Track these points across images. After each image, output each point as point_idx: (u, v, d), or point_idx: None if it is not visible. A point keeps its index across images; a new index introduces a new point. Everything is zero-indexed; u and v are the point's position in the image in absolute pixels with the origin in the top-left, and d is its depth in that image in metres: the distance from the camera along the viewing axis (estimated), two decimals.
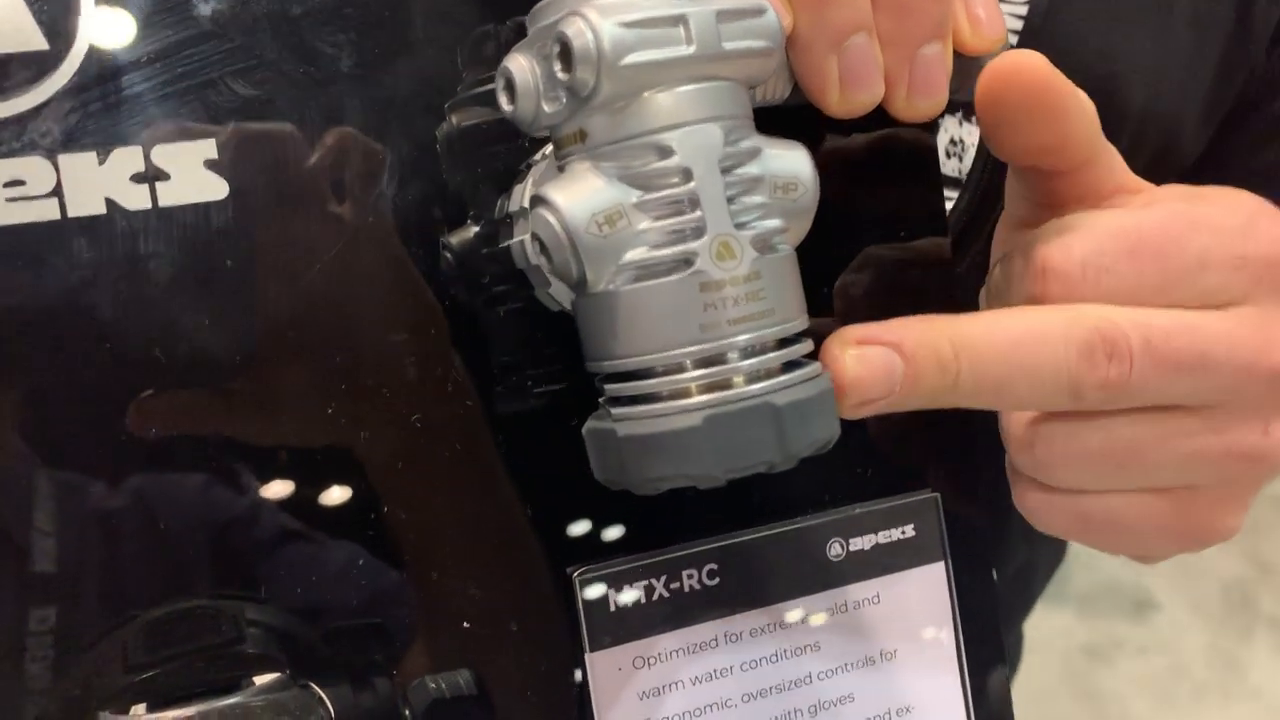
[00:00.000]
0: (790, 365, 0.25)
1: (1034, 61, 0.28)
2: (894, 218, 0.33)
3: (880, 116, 0.29)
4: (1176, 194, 0.31)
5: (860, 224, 0.33)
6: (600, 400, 0.26)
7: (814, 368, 0.25)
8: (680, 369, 0.24)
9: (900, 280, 0.33)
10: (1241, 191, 0.31)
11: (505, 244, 0.29)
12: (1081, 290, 0.28)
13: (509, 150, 0.30)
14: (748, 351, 0.24)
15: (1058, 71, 0.28)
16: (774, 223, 0.25)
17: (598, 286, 0.24)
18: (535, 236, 0.25)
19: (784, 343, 0.25)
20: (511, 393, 0.30)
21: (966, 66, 0.30)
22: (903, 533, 0.33)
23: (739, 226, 0.24)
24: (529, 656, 0.30)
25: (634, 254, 0.24)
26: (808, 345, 0.25)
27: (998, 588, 0.34)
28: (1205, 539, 0.31)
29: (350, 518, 0.28)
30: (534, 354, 0.30)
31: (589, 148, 0.24)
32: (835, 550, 0.32)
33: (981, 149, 0.42)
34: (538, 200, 0.24)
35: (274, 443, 0.28)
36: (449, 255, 0.30)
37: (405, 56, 0.29)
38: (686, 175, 0.24)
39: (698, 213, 0.24)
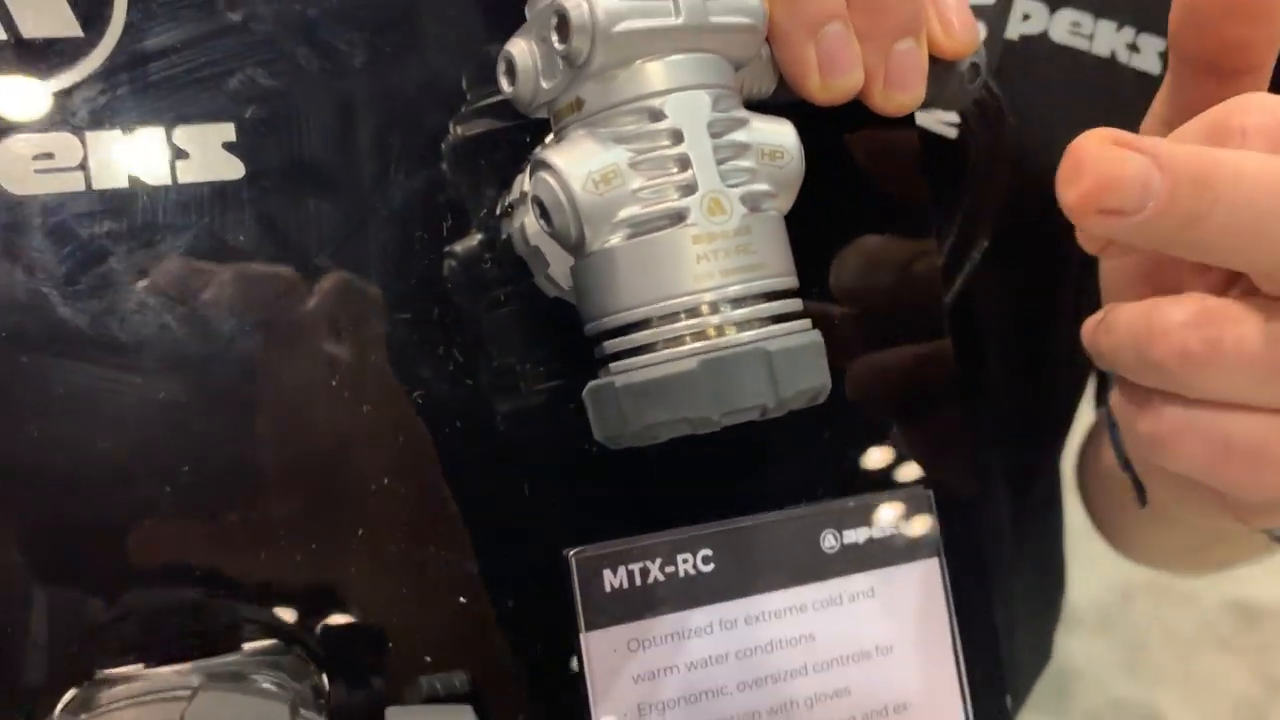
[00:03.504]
0: (781, 320, 0.26)
1: None
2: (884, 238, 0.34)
3: (865, 115, 0.30)
4: None
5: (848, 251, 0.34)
6: (599, 364, 0.27)
7: (804, 323, 0.26)
8: (675, 319, 0.25)
9: (888, 309, 0.34)
10: None
11: (506, 234, 0.31)
12: None
13: (509, 157, 0.31)
14: (739, 302, 0.25)
15: None
16: (762, 186, 0.26)
17: (594, 245, 0.26)
18: (536, 200, 0.26)
19: (775, 296, 0.26)
20: (512, 389, 0.31)
21: (942, 72, 0.32)
22: (895, 527, 0.33)
23: (729, 186, 0.26)
24: (525, 636, 0.30)
25: (628, 211, 0.25)
26: (798, 304, 0.27)
27: (994, 593, 0.35)
28: None
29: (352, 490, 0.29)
30: (534, 353, 0.31)
31: (584, 115, 0.26)
32: (829, 542, 0.32)
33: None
34: (538, 164, 0.26)
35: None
36: (454, 263, 0.31)
37: (414, 55, 0.30)
38: (677, 137, 0.25)
39: (689, 172, 0.25)
